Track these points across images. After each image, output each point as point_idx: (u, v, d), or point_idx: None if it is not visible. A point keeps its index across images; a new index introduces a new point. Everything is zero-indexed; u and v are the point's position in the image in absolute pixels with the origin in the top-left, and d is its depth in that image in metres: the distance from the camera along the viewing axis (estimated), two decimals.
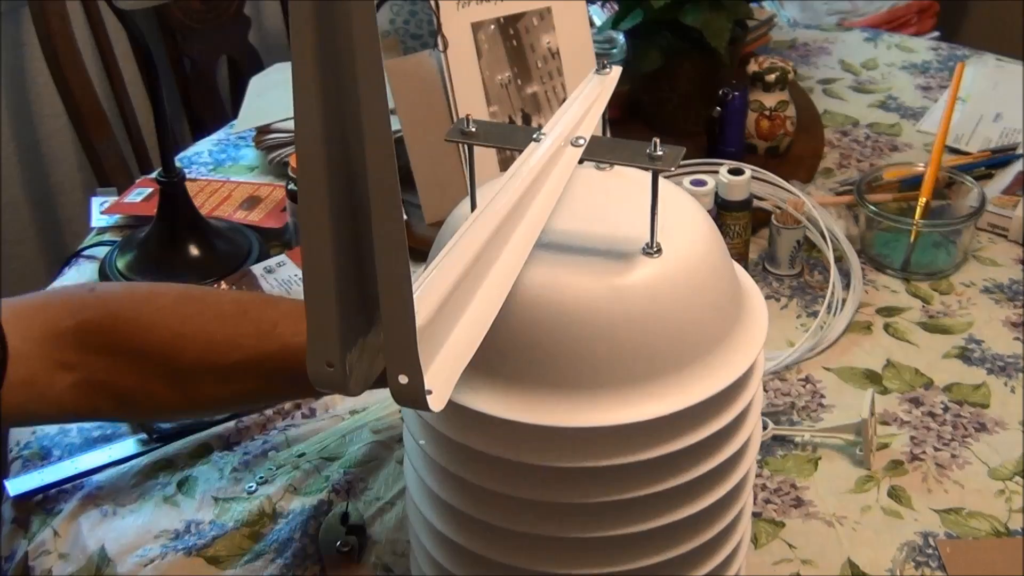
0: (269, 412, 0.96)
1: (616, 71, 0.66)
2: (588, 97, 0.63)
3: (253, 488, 0.89)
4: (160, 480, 0.91)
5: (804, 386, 0.99)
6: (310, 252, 0.43)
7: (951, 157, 1.27)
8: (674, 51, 1.26)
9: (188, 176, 1.16)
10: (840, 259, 1.11)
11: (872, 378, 1.00)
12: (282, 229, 1.18)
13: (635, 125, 1.32)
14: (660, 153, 0.56)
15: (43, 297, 0.78)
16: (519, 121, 1.15)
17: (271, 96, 1.37)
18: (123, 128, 1.63)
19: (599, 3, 1.49)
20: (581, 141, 0.60)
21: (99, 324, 0.73)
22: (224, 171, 1.32)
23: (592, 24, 1.27)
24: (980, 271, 1.12)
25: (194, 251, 1.12)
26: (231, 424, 0.95)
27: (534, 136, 0.60)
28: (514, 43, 1.14)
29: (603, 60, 0.66)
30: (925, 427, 0.94)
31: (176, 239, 1.13)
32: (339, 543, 0.83)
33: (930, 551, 0.83)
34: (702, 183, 1.07)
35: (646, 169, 0.56)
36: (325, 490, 0.88)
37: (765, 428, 0.91)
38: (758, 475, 0.89)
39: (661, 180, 0.56)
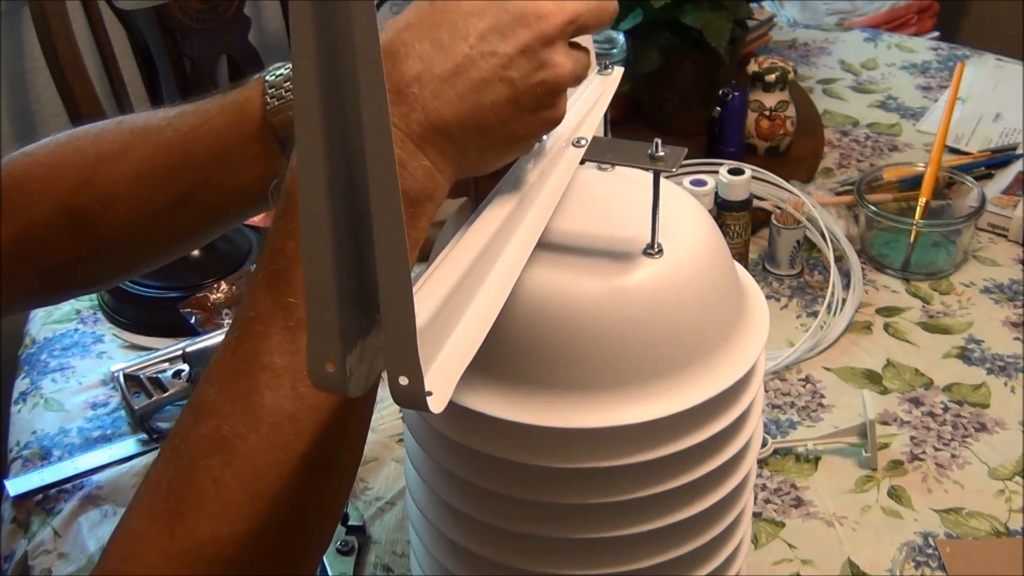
0: None
1: (618, 71, 0.66)
2: (590, 97, 0.63)
3: None
4: None
5: (804, 386, 0.99)
6: (310, 253, 0.43)
7: (951, 157, 1.27)
8: (674, 51, 1.26)
9: None
10: (840, 259, 1.11)
11: (872, 378, 1.00)
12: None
13: (635, 125, 1.32)
14: (662, 154, 0.56)
15: None
16: None
17: None
18: None
19: None
20: (583, 142, 0.60)
21: None
22: None
23: None
24: (980, 271, 1.12)
25: (194, 251, 1.12)
26: None
27: None
28: None
29: (604, 60, 0.66)
30: (925, 427, 0.94)
31: None
32: (339, 543, 0.83)
33: (930, 551, 0.83)
34: (702, 183, 1.07)
35: (647, 170, 0.56)
36: None
37: (765, 445, 0.90)
38: (758, 475, 0.89)
39: (662, 180, 0.56)
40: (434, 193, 0.52)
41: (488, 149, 0.54)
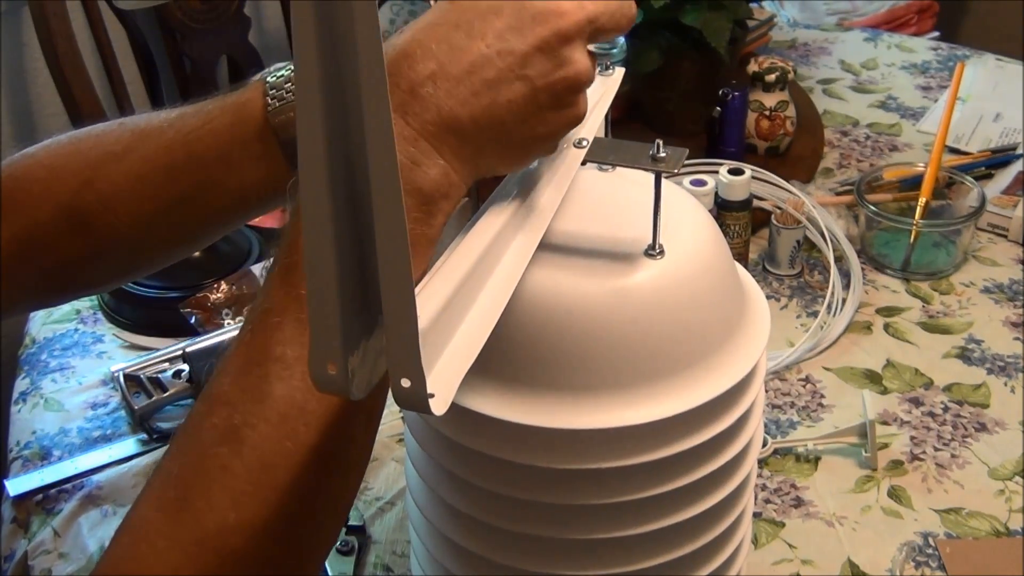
0: None
1: (619, 72, 0.66)
2: (591, 98, 0.63)
3: None
4: None
5: (804, 386, 0.99)
6: (311, 254, 0.43)
7: (951, 157, 1.27)
8: (674, 51, 1.26)
9: None
10: (840, 259, 1.11)
11: (872, 378, 1.00)
12: (282, 229, 1.18)
13: (635, 125, 1.32)
14: (663, 155, 0.56)
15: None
16: None
17: None
18: None
19: None
20: (584, 143, 0.60)
21: None
22: None
23: None
24: (980, 271, 1.13)
25: (195, 252, 1.12)
26: None
27: None
28: None
29: (604, 60, 0.66)
30: (925, 427, 0.94)
31: None
32: (339, 543, 0.83)
33: (930, 551, 0.83)
34: (702, 183, 1.07)
35: (649, 171, 0.56)
36: None
37: (765, 445, 0.90)
38: (758, 475, 0.89)
39: (663, 181, 0.56)
40: (449, 192, 0.52)
41: (508, 149, 0.54)
